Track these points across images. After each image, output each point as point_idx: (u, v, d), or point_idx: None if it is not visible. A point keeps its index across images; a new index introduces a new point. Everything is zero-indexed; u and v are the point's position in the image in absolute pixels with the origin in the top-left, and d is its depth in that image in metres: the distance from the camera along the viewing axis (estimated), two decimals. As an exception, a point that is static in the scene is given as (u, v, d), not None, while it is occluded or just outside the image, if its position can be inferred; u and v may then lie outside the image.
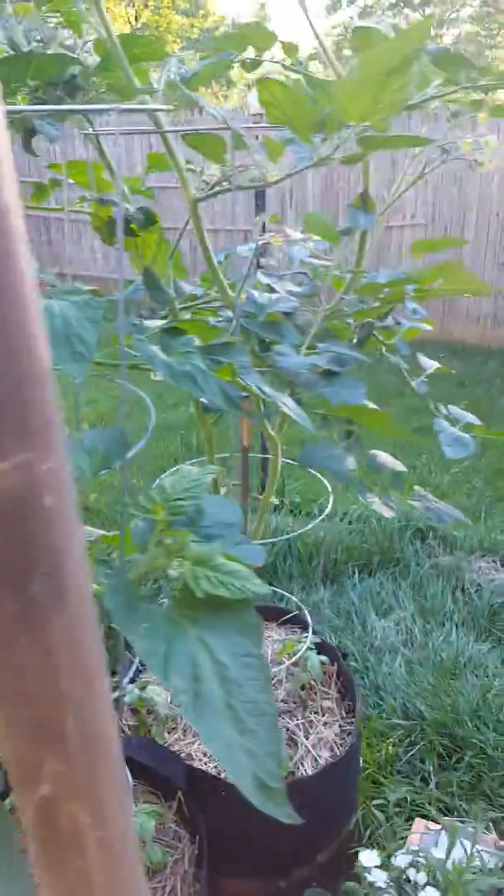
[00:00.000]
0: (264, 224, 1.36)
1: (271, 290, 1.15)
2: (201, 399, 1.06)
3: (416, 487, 1.26)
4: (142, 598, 0.60)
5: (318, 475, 1.91)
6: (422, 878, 1.10)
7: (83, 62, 0.83)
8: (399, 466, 1.26)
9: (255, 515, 1.43)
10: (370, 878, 1.06)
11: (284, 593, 1.93)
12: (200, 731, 0.53)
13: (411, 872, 1.11)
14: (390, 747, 1.96)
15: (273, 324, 1.05)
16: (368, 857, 1.09)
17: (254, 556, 0.67)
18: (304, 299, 1.15)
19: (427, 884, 1.11)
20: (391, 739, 1.99)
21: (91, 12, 0.78)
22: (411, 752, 1.98)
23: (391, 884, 1.06)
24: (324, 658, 1.68)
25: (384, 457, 1.27)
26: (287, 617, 1.88)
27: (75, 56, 0.73)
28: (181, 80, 0.96)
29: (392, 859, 1.12)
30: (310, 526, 1.72)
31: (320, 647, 1.73)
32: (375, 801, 1.49)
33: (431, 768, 1.93)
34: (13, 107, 0.71)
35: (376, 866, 1.08)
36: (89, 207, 0.99)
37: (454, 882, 1.03)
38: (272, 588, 2.06)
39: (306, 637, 1.66)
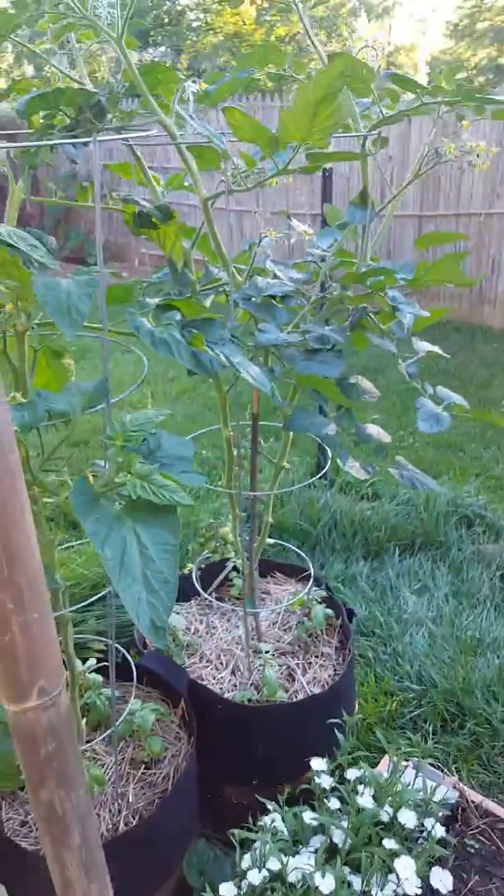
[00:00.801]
0: (289, 216, 1.55)
1: (275, 276, 1.34)
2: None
3: (398, 457, 1.43)
4: (99, 498, 0.83)
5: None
6: (364, 790, 1.29)
7: (112, 88, 1.06)
8: (385, 437, 1.43)
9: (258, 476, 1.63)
10: (318, 780, 1.25)
11: (295, 550, 2.12)
12: (119, 588, 0.76)
13: (359, 788, 1.30)
14: (395, 705, 2.12)
15: (266, 306, 1.25)
16: (318, 763, 1.29)
17: (194, 481, 0.89)
18: (303, 285, 1.34)
19: (365, 792, 1.29)
20: (398, 698, 2.15)
21: (116, 48, 1.01)
22: (415, 713, 2.13)
23: (336, 788, 1.25)
24: (330, 612, 1.86)
25: (372, 428, 1.44)
26: (304, 574, 2.07)
27: (95, 91, 0.96)
28: (206, 94, 1.18)
29: (344, 773, 1.31)
30: (296, 487, 1.89)
31: (329, 603, 1.92)
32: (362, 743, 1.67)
33: (432, 729, 2.08)
34: (16, 145, 0.96)
35: (324, 771, 1.27)
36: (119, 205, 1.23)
37: (386, 789, 1.20)
38: (299, 553, 2.27)
39: (316, 590, 1.86)
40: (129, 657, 1.46)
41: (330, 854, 1.23)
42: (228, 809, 1.66)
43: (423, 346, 1.46)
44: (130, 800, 1.39)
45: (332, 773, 1.32)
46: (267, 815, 1.29)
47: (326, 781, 1.27)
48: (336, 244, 1.34)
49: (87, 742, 1.51)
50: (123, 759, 1.50)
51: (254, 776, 1.61)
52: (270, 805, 1.31)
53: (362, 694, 2.17)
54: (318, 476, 3.14)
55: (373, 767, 1.73)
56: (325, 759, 1.32)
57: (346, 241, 1.45)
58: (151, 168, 1.29)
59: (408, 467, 1.40)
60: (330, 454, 3.40)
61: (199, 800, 1.57)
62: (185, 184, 1.33)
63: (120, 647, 1.48)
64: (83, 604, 1.24)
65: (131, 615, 0.74)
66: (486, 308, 6.46)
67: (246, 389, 1.30)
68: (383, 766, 1.53)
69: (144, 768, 1.49)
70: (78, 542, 2.65)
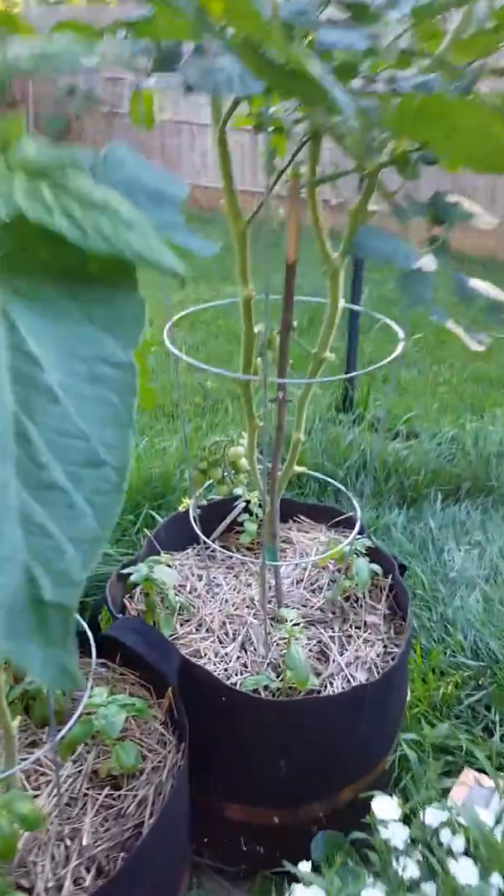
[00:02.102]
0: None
1: None
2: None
3: (517, 326, 0.90)
4: None
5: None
6: (458, 843, 0.81)
7: None
8: (500, 295, 0.90)
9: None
10: (385, 833, 0.77)
11: (335, 484, 1.61)
12: None
13: (445, 834, 0.81)
14: (451, 687, 1.64)
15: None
16: (384, 807, 0.81)
17: (186, 240, 0.37)
18: None
19: (465, 853, 0.81)
20: (453, 679, 1.68)
21: None
22: (475, 697, 1.66)
23: (414, 844, 0.77)
24: (376, 568, 1.37)
25: (478, 283, 0.92)
26: (339, 518, 1.57)
27: None
28: None
29: (420, 814, 0.83)
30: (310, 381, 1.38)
31: (373, 555, 1.42)
32: (412, 737, 1.19)
33: (499, 718, 1.61)
34: None
35: (396, 819, 0.79)
36: None
37: (493, 846, 0.73)
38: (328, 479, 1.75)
39: (358, 538, 1.36)
40: (83, 624, 0.96)
41: None
42: (231, 832, 1.20)
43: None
44: (85, 841, 0.91)
45: (405, 820, 0.84)
46: (296, 883, 0.81)
47: (399, 837, 0.79)
48: None
49: (29, 746, 1.03)
50: (81, 772, 1.02)
51: (269, 794, 1.14)
52: (301, 869, 0.83)
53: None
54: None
55: (427, 774, 1.26)
56: (391, 797, 0.83)
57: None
58: None
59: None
60: (358, 382, 2.87)
61: (192, 826, 1.10)
62: None
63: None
64: None
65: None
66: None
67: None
68: (461, 793, 1.05)
69: (111, 787, 1.01)
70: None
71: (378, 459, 2.57)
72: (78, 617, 0.97)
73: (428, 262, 0.79)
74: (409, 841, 0.78)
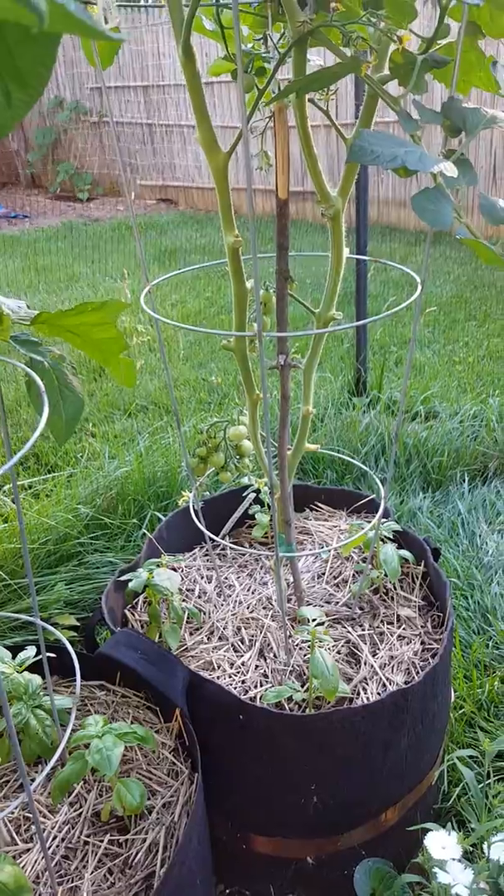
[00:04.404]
0: None
1: None
2: None
3: None
4: None
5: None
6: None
7: None
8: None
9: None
10: (443, 878, 0.62)
11: (357, 462, 1.45)
12: None
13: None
14: (497, 683, 1.48)
15: None
16: (440, 843, 0.65)
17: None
18: None
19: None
20: (499, 673, 1.51)
21: None
22: (526, 694, 1.49)
23: (483, 889, 0.61)
24: (406, 554, 1.21)
25: (504, 200, 0.76)
26: (360, 503, 1.41)
27: None
28: None
29: (484, 846, 0.67)
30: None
31: (402, 540, 1.26)
32: (468, 754, 1.03)
33: None
34: None
35: (455, 859, 0.63)
36: None
37: None
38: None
39: (384, 522, 1.20)
40: (65, 642, 0.81)
41: None
42: (257, 864, 1.04)
43: None
44: (86, 903, 0.76)
45: (469, 855, 0.67)
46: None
47: (462, 880, 0.63)
48: None
49: (18, 790, 0.89)
50: (80, 816, 0.87)
51: (300, 822, 0.98)
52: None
53: (447, 670, 1.52)
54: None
55: (487, 796, 1.09)
56: (454, 835, 0.67)
57: None
58: None
59: None
60: (370, 364, 2.71)
61: (213, 865, 0.95)
62: None
63: (50, 627, 0.83)
64: None
65: None
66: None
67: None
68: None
69: (116, 831, 0.86)
70: (39, 479, 2.01)
71: (398, 442, 2.41)
72: (59, 634, 0.82)
73: (449, 167, 0.64)
74: (473, 886, 0.62)
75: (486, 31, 0.74)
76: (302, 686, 1.03)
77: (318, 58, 0.90)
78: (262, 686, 1.05)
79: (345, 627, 1.15)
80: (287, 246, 0.87)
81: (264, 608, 1.21)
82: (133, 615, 1.21)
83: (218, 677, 1.07)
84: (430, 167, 0.61)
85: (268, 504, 1.36)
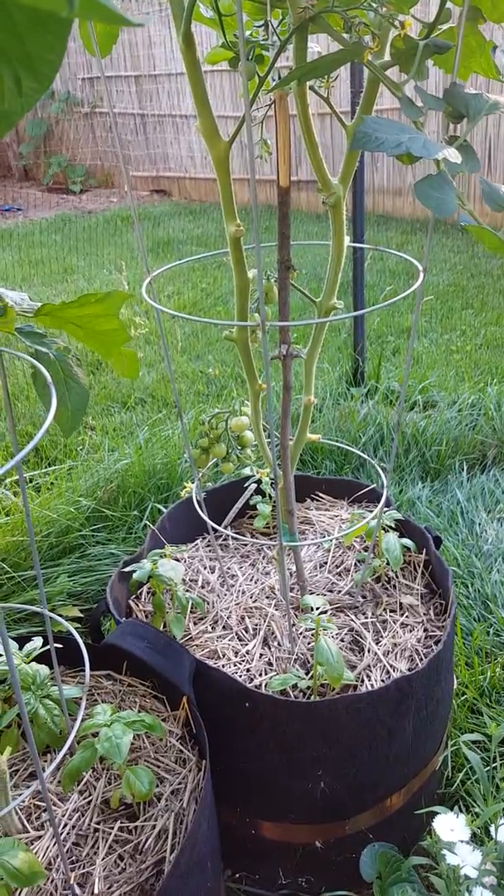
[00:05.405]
0: None
1: None
2: None
3: None
4: None
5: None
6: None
7: None
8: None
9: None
10: (452, 860, 0.63)
11: (356, 451, 1.46)
12: None
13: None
14: (498, 669, 1.49)
15: None
16: (449, 825, 0.66)
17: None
18: None
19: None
20: (500, 660, 1.52)
21: None
22: (527, 680, 1.51)
23: (491, 871, 0.62)
24: (408, 542, 1.22)
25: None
26: (361, 493, 1.42)
27: None
28: None
29: (491, 829, 0.68)
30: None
31: (403, 529, 1.27)
32: (472, 738, 1.04)
33: None
34: None
35: (463, 841, 0.64)
36: None
37: None
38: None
39: (386, 511, 1.20)
40: (73, 632, 0.82)
41: None
42: (264, 849, 1.06)
43: None
44: (97, 889, 0.77)
45: (475, 838, 0.69)
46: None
47: (470, 861, 0.63)
48: None
49: (29, 778, 0.89)
50: (90, 804, 0.88)
51: (306, 808, 0.99)
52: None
53: (448, 657, 1.53)
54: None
55: (493, 780, 1.11)
56: (462, 817, 0.68)
57: None
58: None
59: None
60: (368, 354, 2.71)
61: (223, 851, 0.96)
62: None
63: (57, 618, 0.84)
64: None
65: None
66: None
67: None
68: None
69: (125, 818, 0.86)
70: (40, 472, 2.01)
71: (396, 431, 2.41)
72: (67, 624, 0.83)
73: (453, 154, 0.64)
74: (482, 868, 0.63)
75: (488, 16, 0.74)
76: (306, 674, 1.04)
77: (314, 45, 0.90)
78: (266, 674, 1.06)
79: (348, 616, 1.16)
80: (289, 234, 0.87)
81: (267, 597, 1.21)
82: (137, 605, 1.22)
83: (223, 666, 1.07)
84: (434, 154, 0.61)
85: (269, 494, 1.36)
